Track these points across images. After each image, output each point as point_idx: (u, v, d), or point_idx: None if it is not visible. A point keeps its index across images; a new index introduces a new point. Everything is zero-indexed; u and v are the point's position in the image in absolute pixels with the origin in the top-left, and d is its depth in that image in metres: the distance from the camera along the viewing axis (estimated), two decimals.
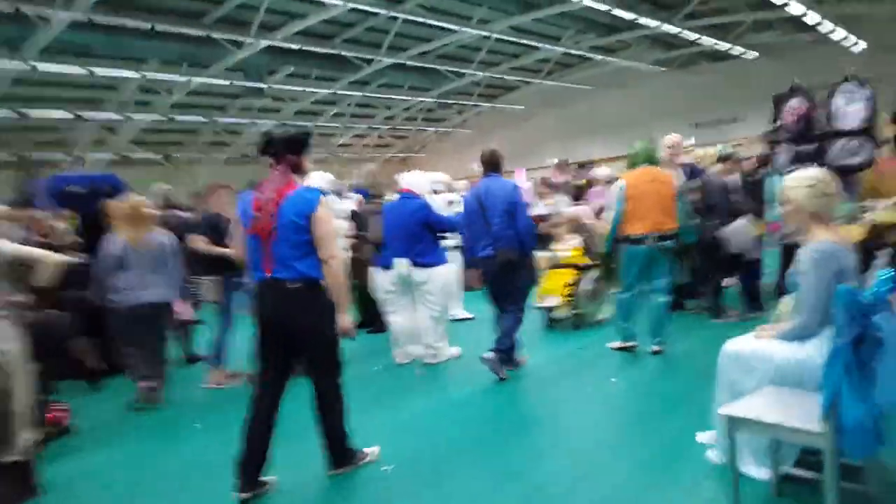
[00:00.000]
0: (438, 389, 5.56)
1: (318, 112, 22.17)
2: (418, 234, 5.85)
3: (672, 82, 20.61)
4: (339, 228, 8.17)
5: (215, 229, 5.74)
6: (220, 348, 5.91)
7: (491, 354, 5.41)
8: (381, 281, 6.23)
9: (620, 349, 5.94)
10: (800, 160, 5.67)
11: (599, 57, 18.56)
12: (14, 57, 12.15)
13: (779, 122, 6.10)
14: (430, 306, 5.99)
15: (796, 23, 15.13)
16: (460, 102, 23.05)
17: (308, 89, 18.65)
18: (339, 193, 7.86)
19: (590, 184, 9.75)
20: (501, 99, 24.26)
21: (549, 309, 7.05)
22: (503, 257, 5.31)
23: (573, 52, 17.72)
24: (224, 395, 5.64)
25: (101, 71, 14.05)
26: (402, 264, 5.90)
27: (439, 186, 7.66)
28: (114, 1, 11.59)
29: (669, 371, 5.47)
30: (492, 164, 5.66)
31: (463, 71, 18.85)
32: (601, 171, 9.71)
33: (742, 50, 17.58)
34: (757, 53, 17.92)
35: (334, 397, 3.67)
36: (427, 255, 5.90)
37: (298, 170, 3.57)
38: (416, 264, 5.87)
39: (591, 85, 21.78)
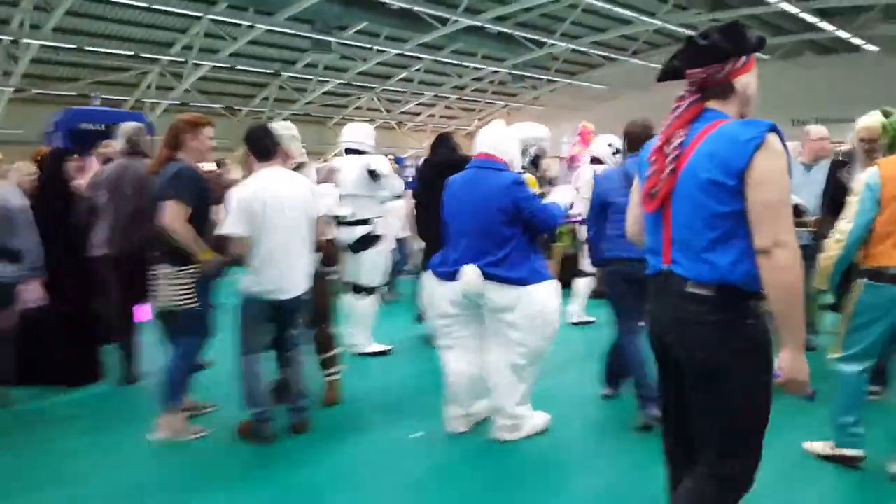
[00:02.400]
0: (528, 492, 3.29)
1: (386, 75, 21.11)
2: (502, 230, 3.60)
3: (774, 73, 18.67)
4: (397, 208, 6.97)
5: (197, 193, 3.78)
6: (178, 380, 3.87)
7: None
8: (438, 297, 3.84)
9: (833, 459, 3.46)
10: None
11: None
12: None
13: None
14: (512, 348, 3.68)
15: None
16: (535, 76, 21.62)
17: (377, 47, 17.57)
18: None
19: None
20: (581, 76, 22.73)
21: None
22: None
23: (670, 25, 16.02)
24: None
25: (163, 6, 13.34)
26: (471, 275, 3.58)
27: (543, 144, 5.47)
28: None
29: None
30: (642, 141, 4.46)
31: (544, 40, 17.44)
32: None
33: (861, 42, 15.68)
34: (877, 48, 16.02)
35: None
36: (516, 267, 3.60)
37: (723, 91, 2.02)
38: (494, 279, 3.59)
39: None
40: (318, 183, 4.48)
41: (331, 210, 4.33)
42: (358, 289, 5.53)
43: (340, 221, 5.07)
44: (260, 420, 3.75)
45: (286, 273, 3.71)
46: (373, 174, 5.28)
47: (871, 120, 3.72)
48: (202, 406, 4.29)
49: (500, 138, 3.82)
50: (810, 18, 14.08)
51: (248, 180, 3.77)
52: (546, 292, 3.67)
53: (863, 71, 16.59)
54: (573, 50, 18.79)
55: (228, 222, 3.65)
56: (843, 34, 15.28)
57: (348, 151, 5.46)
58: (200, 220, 3.73)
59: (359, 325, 5.58)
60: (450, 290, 3.70)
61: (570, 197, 4.25)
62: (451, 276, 3.67)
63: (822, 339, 5.24)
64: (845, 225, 3.21)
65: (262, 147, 3.80)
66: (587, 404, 4.49)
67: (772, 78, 18.93)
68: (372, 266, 5.47)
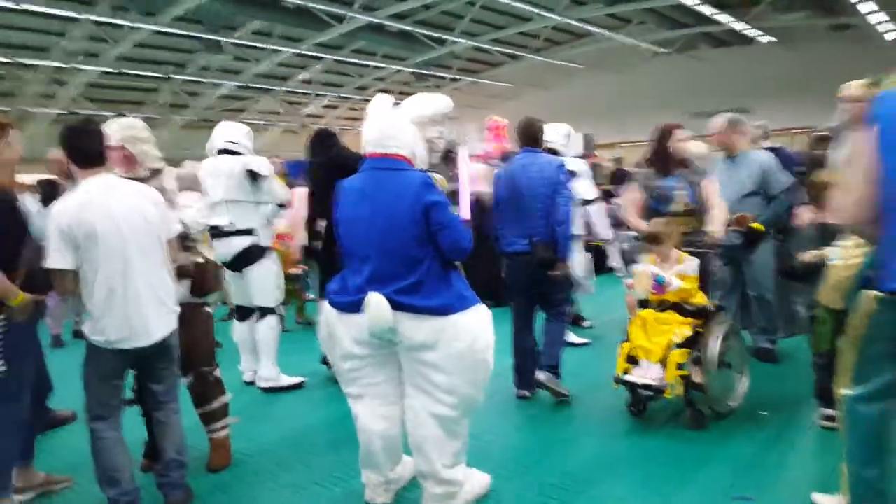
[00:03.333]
0: None
1: (284, 76, 20.31)
2: (414, 248, 2.81)
3: (672, 67, 19.26)
4: None
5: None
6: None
7: (544, 375, 4.27)
8: (340, 335, 2.97)
9: None
10: None
11: (596, 30, 16.88)
12: None
13: None
14: (438, 396, 2.88)
15: (823, 4, 13.72)
16: (438, 75, 21.33)
17: (272, 47, 16.80)
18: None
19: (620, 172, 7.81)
20: (483, 74, 22.60)
21: (645, 387, 3.80)
22: (543, 254, 4.13)
23: (571, 21, 16.00)
24: None
25: (38, 8, 12.20)
26: (377, 306, 2.76)
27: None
28: None
29: None
30: (529, 137, 4.38)
31: (444, 38, 17.15)
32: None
33: (757, 33, 16.10)
34: (772, 39, 16.53)
35: None
36: (435, 292, 2.82)
37: None
38: (407, 309, 2.79)
39: (583, 64, 20.27)
40: (181, 191, 3.63)
41: (196, 222, 3.49)
42: (245, 313, 4.89)
43: (216, 233, 4.38)
44: None
45: (134, 313, 2.85)
46: (253, 175, 4.57)
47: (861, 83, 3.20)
48: (57, 481, 3.41)
49: (390, 127, 2.89)
50: (707, 11, 14.32)
51: (69, 194, 2.91)
52: (475, 322, 2.85)
53: (759, 62, 17.06)
54: (474, 48, 18.59)
55: (49, 252, 2.79)
56: (738, 26, 15.62)
57: (221, 152, 4.69)
58: (7, 254, 2.85)
59: (262, 354, 4.82)
60: (353, 326, 2.86)
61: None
62: (353, 307, 2.83)
63: (786, 343, 4.99)
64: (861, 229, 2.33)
65: (82, 149, 2.87)
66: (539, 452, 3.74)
67: (671, 72, 19.52)
68: (262, 284, 4.72)
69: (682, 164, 4.15)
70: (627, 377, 3.79)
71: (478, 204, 4.92)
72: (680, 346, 3.69)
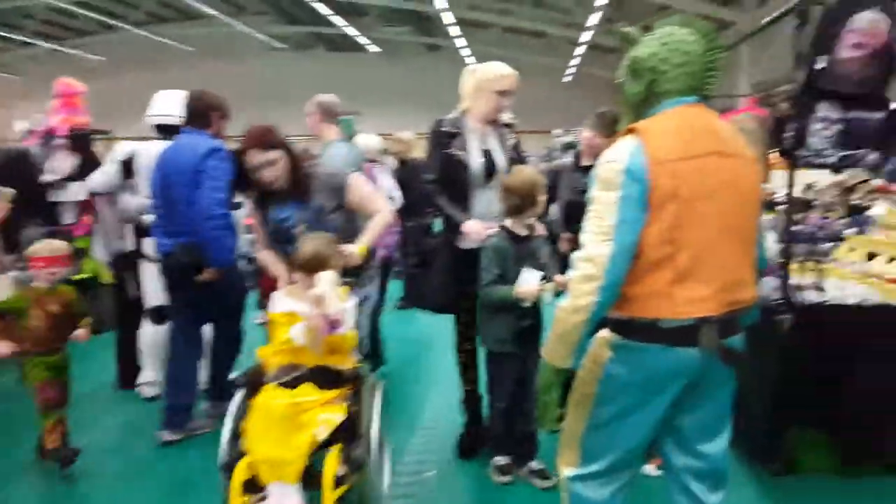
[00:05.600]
0: None
1: None
2: None
3: (288, 64, 18.86)
4: None
5: None
6: None
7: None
8: None
9: None
10: (850, 143, 2.83)
11: (210, 11, 15.25)
12: None
13: (820, 62, 2.74)
14: None
15: (422, 22, 14.65)
16: (6, 35, 17.29)
17: None
18: None
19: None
20: (69, 43, 19.09)
21: None
22: (184, 257, 3.21)
23: None
24: None
25: None
26: None
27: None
28: None
29: None
30: (193, 115, 3.41)
31: None
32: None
33: (367, 42, 16.58)
34: (380, 49, 17.17)
35: None
36: None
37: None
38: None
39: (194, 47, 18.46)
40: None
41: None
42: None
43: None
44: None
45: None
46: None
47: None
48: None
49: None
50: (323, 10, 13.97)
51: None
52: None
53: (369, 69, 17.59)
54: (54, 8, 15.38)
55: None
56: (351, 31, 15.79)
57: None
58: None
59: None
60: None
61: None
62: None
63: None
64: (596, 247, 1.65)
65: None
66: None
67: (287, 69, 18.94)
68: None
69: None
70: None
71: None
72: (330, 442, 2.20)
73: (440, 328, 3.24)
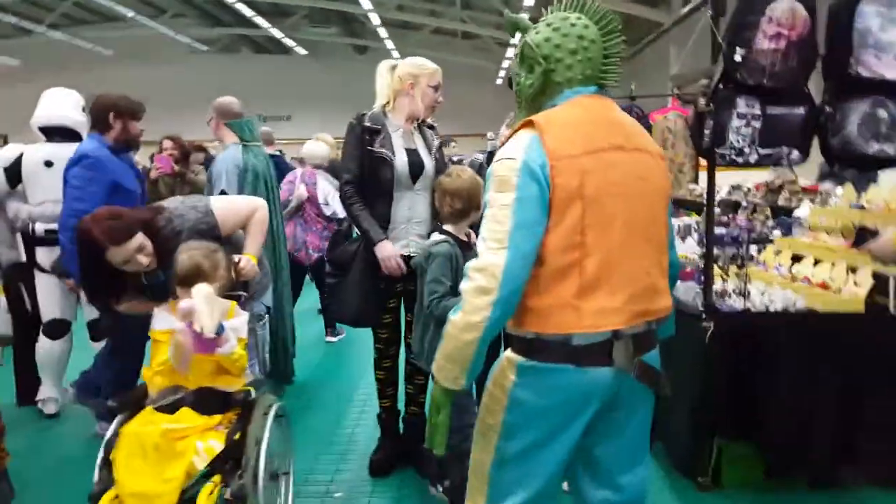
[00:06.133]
0: None
1: None
2: None
3: (213, 66, 18.19)
4: None
5: None
6: None
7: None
8: None
9: None
10: (771, 140, 2.70)
11: (128, 13, 14.60)
12: None
13: (738, 54, 2.58)
14: None
15: (349, 24, 14.45)
16: None
17: None
18: None
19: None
20: None
21: None
22: (56, 268, 3.20)
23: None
24: None
25: None
26: None
27: None
28: None
29: None
30: (92, 120, 3.23)
31: None
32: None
33: (293, 44, 16.27)
34: (306, 51, 16.89)
35: None
36: None
37: None
38: None
39: (111, 49, 17.70)
40: None
41: None
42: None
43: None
44: None
45: None
46: None
47: None
48: None
49: None
50: (247, 12, 13.56)
51: None
52: None
53: (296, 72, 17.32)
54: None
55: None
56: (277, 33, 15.44)
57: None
58: None
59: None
60: None
61: None
62: None
63: None
64: (490, 256, 1.43)
65: None
66: None
67: (212, 72, 18.36)
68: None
69: None
70: None
71: None
72: (209, 474, 1.92)
73: (366, 335, 2.96)
